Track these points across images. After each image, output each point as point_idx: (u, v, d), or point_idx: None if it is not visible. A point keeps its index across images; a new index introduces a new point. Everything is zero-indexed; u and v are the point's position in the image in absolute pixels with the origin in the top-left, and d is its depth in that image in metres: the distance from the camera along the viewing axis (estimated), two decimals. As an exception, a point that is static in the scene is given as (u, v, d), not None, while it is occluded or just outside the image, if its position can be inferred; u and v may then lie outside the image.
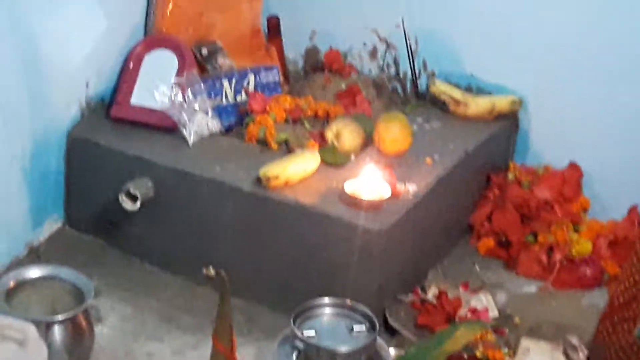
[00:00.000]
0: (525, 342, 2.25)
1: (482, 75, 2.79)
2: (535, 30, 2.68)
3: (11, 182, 2.47)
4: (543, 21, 2.66)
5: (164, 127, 2.55)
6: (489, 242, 2.61)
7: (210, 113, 2.58)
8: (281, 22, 3.00)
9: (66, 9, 2.46)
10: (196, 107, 2.54)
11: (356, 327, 1.99)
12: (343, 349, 1.93)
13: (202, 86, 2.58)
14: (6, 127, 2.40)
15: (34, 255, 2.54)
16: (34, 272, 2.24)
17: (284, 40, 3.00)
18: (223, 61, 2.73)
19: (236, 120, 2.65)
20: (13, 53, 2.36)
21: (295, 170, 2.38)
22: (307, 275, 2.31)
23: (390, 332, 2.29)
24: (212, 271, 1.92)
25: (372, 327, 1.99)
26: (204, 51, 2.72)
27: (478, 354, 2.19)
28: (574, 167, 2.68)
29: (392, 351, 2.09)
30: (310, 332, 1.96)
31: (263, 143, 2.54)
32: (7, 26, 2.31)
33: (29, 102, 2.45)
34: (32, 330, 1.93)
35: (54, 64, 2.49)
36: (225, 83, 2.64)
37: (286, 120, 2.61)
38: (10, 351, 1.92)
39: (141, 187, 2.43)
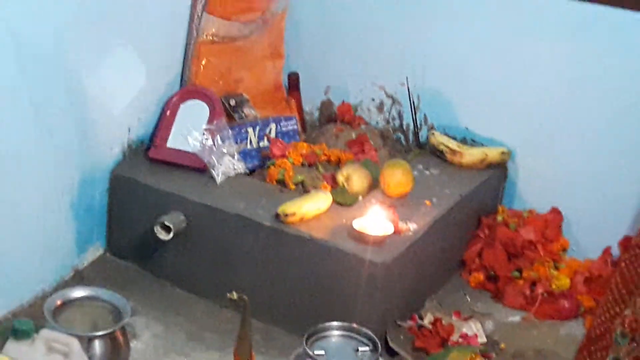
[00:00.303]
0: (509, 366, 2.29)
1: (475, 129, 2.81)
2: (523, 91, 2.70)
3: (61, 213, 2.49)
4: (530, 83, 2.68)
5: (196, 167, 2.57)
6: (479, 276, 2.63)
7: (236, 156, 2.60)
8: (300, 78, 3.01)
9: (113, 62, 2.48)
10: (224, 150, 2.56)
11: (361, 348, 2.01)
12: None
13: (230, 133, 2.60)
14: (58, 165, 2.42)
15: (79, 277, 2.55)
16: (78, 292, 2.26)
17: (302, 94, 3.01)
18: (248, 111, 2.76)
19: (259, 163, 2.67)
20: (65, 100, 2.38)
21: (310, 208, 2.41)
22: (318, 301, 2.33)
23: (391, 353, 2.30)
24: (235, 295, 1.95)
25: (375, 349, 2.01)
26: (232, 102, 2.75)
27: (468, 374, 2.23)
28: (555, 211, 2.70)
29: None
30: (321, 352, 1.97)
31: (282, 183, 2.56)
32: (62, 75, 2.34)
33: (78, 143, 2.47)
34: (75, 344, 1.97)
35: (101, 110, 2.51)
36: (250, 130, 2.67)
37: (302, 164, 2.62)
38: (55, 359, 1.96)
39: (174, 219, 2.45)
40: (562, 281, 2.54)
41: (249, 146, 2.67)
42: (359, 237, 2.34)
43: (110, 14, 2.44)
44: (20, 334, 1.94)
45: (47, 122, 2.36)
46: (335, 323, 2.07)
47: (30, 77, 2.26)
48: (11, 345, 1.94)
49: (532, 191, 2.78)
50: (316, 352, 1.97)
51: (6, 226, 2.32)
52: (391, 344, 2.32)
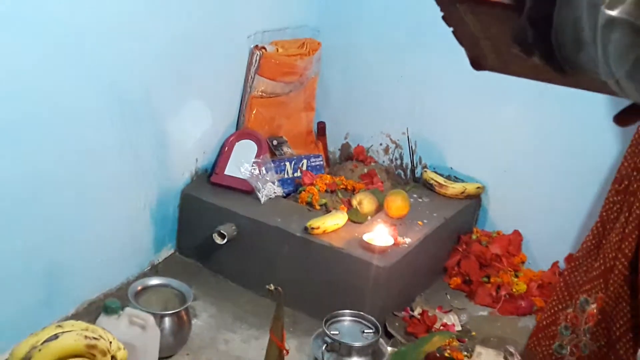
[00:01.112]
0: (479, 349, 2.28)
1: (458, 168, 2.81)
2: (495, 142, 2.71)
3: (142, 221, 2.52)
4: (500, 136, 2.69)
5: (245, 190, 2.58)
6: (457, 280, 2.63)
7: (276, 183, 2.61)
8: (326, 127, 3.03)
9: (187, 111, 2.52)
10: (267, 178, 2.58)
11: (366, 331, 2.04)
12: (357, 344, 1.98)
13: (272, 165, 2.61)
14: (143, 186, 2.46)
15: (154, 270, 2.58)
16: (154, 281, 2.31)
17: (327, 138, 3.02)
18: (286, 150, 2.77)
19: (293, 189, 2.67)
20: (151, 137, 2.42)
21: (330, 224, 2.42)
22: (334, 294, 2.32)
23: (388, 336, 2.31)
24: (272, 287, 1.97)
25: (376, 332, 2.03)
26: (274, 142, 2.76)
27: (446, 354, 2.22)
28: (516, 233, 2.71)
29: (389, 349, 2.09)
30: (335, 332, 2.00)
31: (310, 205, 2.58)
32: (150, 120, 2.37)
33: (158, 170, 2.50)
34: (151, 319, 2.01)
35: (176, 146, 2.54)
36: (287, 164, 2.67)
37: (326, 191, 2.64)
38: (136, 332, 1.99)
39: (228, 229, 2.46)
40: (520, 286, 2.55)
41: (286, 176, 2.67)
42: (367, 247, 2.35)
43: (186, 75, 2.47)
44: (109, 310, 1.99)
45: (138, 154, 2.39)
46: (347, 311, 2.08)
47: (124, 122, 2.29)
48: (102, 319, 1.99)
49: (499, 217, 2.78)
50: (332, 332, 1.99)
51: (105, 231, 2.35)
52: (389, 329, 2.33)
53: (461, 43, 0.89)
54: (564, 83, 0.83)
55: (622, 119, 0.83)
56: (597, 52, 0.68)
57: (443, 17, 0.86)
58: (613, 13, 0.64)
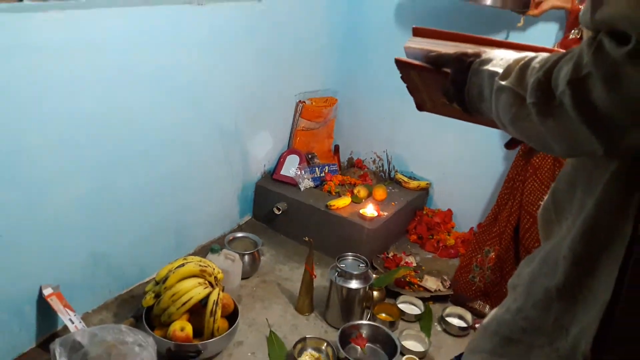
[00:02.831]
0: (426, 277, 2.26)
1: (416, 172, 2.77)
2: (438, 156, 2.68)
3: (233, 200, 2.52)
4: (441, 153, 2.66)
5: (292, 183, 2.57)
6: (414, 237, 2.61)
7: (310, 179, 2.60)
8: (340, 148, 3.00)
9: (260, 137, 2.52)
10: (305, 177, 2.58)
11: (361, 265, 2.02)
12: (355, 272, 1.96)
13: (308, 169, 2.61)
14: (234, 180, 2.46)
15: (239, 228, 2.57)
16: (239, 234, 2.32)
17: (340, 154, 2.99)
18: (316, 160, 2.75)
19: (319, 183, 2.64)
20: (238, 153, 2.42)
21: (342, 203, 2.41)
22: (343, 244, 2.30)
23: (374, 268, 2.30)
24: (307, 239, 2.00)
25: (367, 265, 2.01)
26: (309, 156, 2.74)
27: (407, 279, 2.22)
28: (449, 210, 2.69)
29: (374, 275, 2.08)
30: (343, 265, 1.99)
31: (329, 192, 2.55)
32: (238, 142, 2.38)
33: (242, 171, 2.50)
34: (237, 256, 2.03)
35: (253, 157, 2.53)
36: (317, 169, 2.65)
37: (339, 184, 2.62)
38: (228, 263, 2.00)
39: (282, 205, 2.47)
40: (451, 241, 2.53)
41: (316, 175, 2.64)
42: (362, 217, 2.35)
43: (259, 116, 2.46)
44: (214, 250, 2.01)
45: (231, 162, 2.40)
46: (350, 253, 2.06)
47: (223, 142, 2.30)
48: (209, 255, 2.00)
49: (439, 200, 2.74)
50: (341, 265, 1.98)
51: (212, 205, 2.37)
52: (374, 264, 2.32)
53: (411, 94, 0.90)
54: (471, 121, 0.83)
55: (508, 145, 0.84)
56: (491, 106, 0.68)
57: (401, 77, 0.87)
58: (503, 83, 0.64)
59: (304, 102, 2.71)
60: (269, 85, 2.46)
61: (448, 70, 0.76)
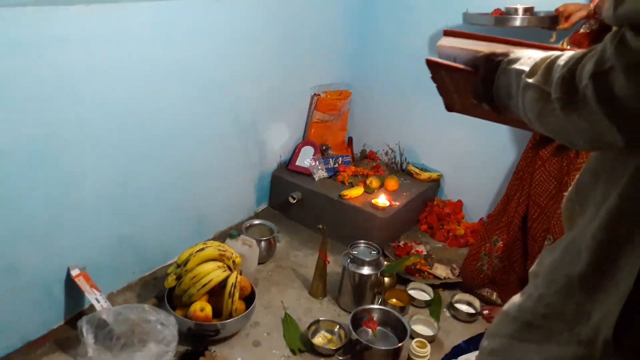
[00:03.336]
0: (436, 264, 2.28)
1: (427, 163, 2.77)
2: (450, 149, 2.66)
3: (250, 189, 2.55)
4: (453, 146, 2.65)
5: (307, 174, 2.59)
6: (425, 226, 2.61)
7: (324, 170, 2.62)
8: (353, 139, 3.00)
9: (276, 128, 2.54)
10: (319, 167, 2.60)
11: (372, 252, 2.04)
12: (367, 259, 1.99)
13: (322, 160, 2.63)
14: (251, 170, 2.49)
15: (256, 216, 2.59)
16: (256, 221, 2.36)
17: (353, 146, 2.99)
18: (330, 152, 2.76)
19: (333, 173, 2.66)
20: (254, 143, 2.44)
21: (354, 193, 2.43)
22: (356, 232, 2.31)
23: (385, 256, 2.30)
24: (321, 227, 2.02)
25: (379, 253, 2.04)
26: (324, 147, 2.75)
27: (418, 266, 2.24)
28: (459, 201, 2.69)
29: (385, 262, 2.09)
30: (355, 252, 2.02)
31: (342, 182, 2.57)
32: (254, 132, 2.40)
33: (259, 162, 2.52)
34: (254, 242, 2.06)
35: (270, 148, 2.56)
36: (331, 160, 2.66)
37: (352, 175, 2.63)
38: (246, 248, 2.03)
39: (297, 194, 2.50)
40: (460, 231, 2.53)
41: (329, 166, 2.66)
42: (374, 206, 2.37)
43: (276, 109, 2.49)
44: (232, 236, 2.05)
45: (248, 153, 2.43)
46: (362, 241, 2.09)
47: (241, 133, 2.33)
48: (228, 241, 2.04)
49: (450, 191, 2.74)
50: (353, 252, 2.01)
51: (231, 194, 2.40)
52: (386, 252, 2.34)
53: (441, 94, 0.90)
54: (500, 122, 0.84)
55: (537, 147, 0.83)
56: (519, 102, 0.69)
57: (432, 78, 0.87)
58: (530, 80, 0.65)
59: (319, 95, 2.72)
60: (286, 78, 2.48)
61: (478, 70, 0.77)
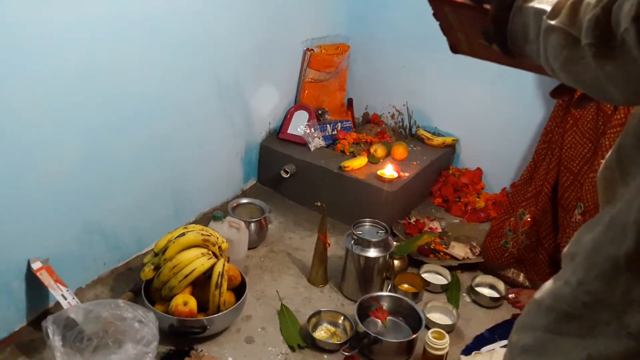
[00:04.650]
0: (453, 243, 2.30)
1: (440, 127, 2.76)
2: (465, 109, 2.67)
3: (236, 163, 2.54)
4: (466, 108, 2.65)
5: (301, 143, 2.59)
6: (439, 200, 2.62)
7: (320, 138, 2.61)
8: (353, 101, 2.98)
9: (264, 91, 2.51)
10: (315, 135, 2.59)
11: (380, 232, 2.04)
12: (374, 239, 1.99)
13: (318, 126, 2.62)
14: (236, 140, 2.47)
15: (243, 194, 2.60)
16: (243, 200, 2.34)
17: (354, 109, 2.98)
18: (327, 116, 2.75)
19: (332, 141, 2.66)
20: (240, 109, 2.42)
21: (357, 164, 2.43)
22: (359, 209, 2.32)
23: (394, 235, 2.31)
24: (319, 204, 2.02)
25: (386, 232, 2.03)
26: (319, 112, 2.74)
27: (432, 246, 2.25)
28: (479, 169, 2.69)
29: (394, 243, 2.09)
30: (360, 232, 2.01)
31: (342, 152, 2.57)
32: (238, 97, 2.38)
33: (246, 130, 2.51)
34: (242, 224, 2.06)
35: (257, 114, 2.54)
36: (328, 126, 2.66)
37: (353, 143, 2.63)
38: (233, 232, 2.03)
39: (290, 167, 2.49)
40: (480, 203, 2.53)
41: (327, 133, 2.65)
42: (380, 178, 2.36)
43: (263, 68, 2.46)
44: (217, 218, 2.04)
45: (232, 120, 2.40)
46: (367, 219, 2.08)
47: (223, 98, 2.31)
48: (212, 224, 2.03)
49: (467, 159, 2.74)
50: (357, 232, 2.01)
51: (213, 169, 2.39)
52: (394, 231, 2.34)
53: (444, 33, 0.88)
54: (512, 65, 0.82)
55: (555, 93, 0.82)
56: (539, 48, 0.67)
57: (433, 14, 0.86)
58: (552, 22, 0.63)
59: (312, 50, 2.69)
60: (273, 31, 2.45)
61: (488, 6, 0.74)
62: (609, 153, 0.72)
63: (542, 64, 0.69)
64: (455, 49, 0.91)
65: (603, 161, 0.73)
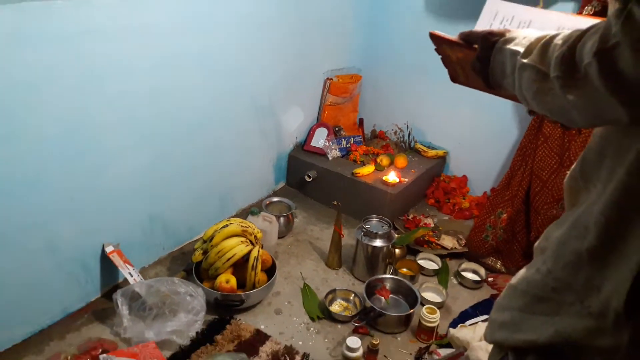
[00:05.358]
0: (443, 236, 2.26)
1: (433, 141, 2.72)
2: (454, 128, 2.61)
3: (269, 169, 2.51)
4: (457, 124, 2.59)
5: (321, 153, 2.56)
6: (432, 201, 2.58)
7: (337, 150, 2.58)
8: (364, 120, 2.94)
9: (292, 111, 2.49)
10: (333, 147, 2.56)
11: (384, 225, 2.02)
12: (379, 232, 1.97)
13: (335, 140, 2.59)
14: (269, 151, 2.45)
15: (275, 194, 2.57)
16: (275, 199, 2.33)
17: (364, 127, 2.94)
18: (343, 133, 2.72)
19: (346, 153, 2.62)
20: (272, 125, 2.40)
21: (366, 171, 2.40)
22: (368, 207, 2.29)
23: (395, 229, 2.27)
24: (335, 203, 2.01)
25: (389, 226, 2.02)
26: (336, 129, 2.71)
27: (426, 238, 2.21)
28: (464, 176, 2.63)
29: (395, 235, 2.07)
30: (368, 226, 2.00)
31: (355, 161, 2.53)
32: (272, 115, 2.36)
33: (277, 143, 2.48)
34: (274, 218, 2.04)
35: (286, 130, 2.51)
36: (343, 140, 2.63)
37: (364, 154, 2.60)
38: (266, 224, 2.02)
39: (312, 173, 2.46)
40: (466, 204, 2.49)
41: (342, 146, 2.62)
42: (385, 183, 2.33)
43: (291, 92, 2.44)
44: (253, 213, 2.03)
45: (266, 134, 2.38)
46: (374, 215, 2.07)
47: (259, 116, 2.29)
48: (250, 217, 2.02)
49: (455, 167, 2.69)
50: (366, 226, 1.99)
51: (251, 174, 2.36)
52: (396, 225, 2.31)
53: (445, 66, 0.89)
54: (494, 93, 0.82)
55: (531, 112, 0.81)
56: (514, 82, 0.67)
57: (435, 50, 0.86)
58: (525, 60, 0.63)
59: (331, 79, 2.67)
60: (300, 63, 2.43)
61: (476, 46, 0.75)
62: (574, 165, 0.71)
63: (517, 95, 0.69)
64: (454, 79, 0.91)
65: (569, 171, 0.72)
